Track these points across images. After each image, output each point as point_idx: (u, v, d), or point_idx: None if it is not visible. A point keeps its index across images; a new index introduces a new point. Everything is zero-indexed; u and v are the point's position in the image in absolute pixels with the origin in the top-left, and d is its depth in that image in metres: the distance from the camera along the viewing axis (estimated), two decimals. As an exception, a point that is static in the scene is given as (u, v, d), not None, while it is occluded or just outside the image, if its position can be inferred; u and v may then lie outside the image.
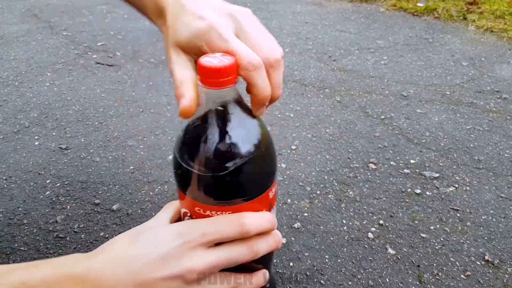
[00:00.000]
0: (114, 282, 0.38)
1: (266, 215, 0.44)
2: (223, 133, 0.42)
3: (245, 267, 0.46)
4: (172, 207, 0.47)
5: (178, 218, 0.47)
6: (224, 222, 0.41)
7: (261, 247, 0.43)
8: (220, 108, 0.42)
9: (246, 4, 2.20)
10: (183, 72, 0.41)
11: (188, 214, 0.45)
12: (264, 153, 0.44)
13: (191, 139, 0.43)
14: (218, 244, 0.42)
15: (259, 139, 0.43)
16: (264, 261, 0.49)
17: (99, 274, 0.38)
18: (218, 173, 0.42)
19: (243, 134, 0.43)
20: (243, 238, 0.42)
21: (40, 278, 0.37)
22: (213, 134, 0.42)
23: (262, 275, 0.48)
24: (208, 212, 0.43)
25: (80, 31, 1.83)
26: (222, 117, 0.42)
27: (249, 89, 0.42)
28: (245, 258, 0.42)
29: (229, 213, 0.42)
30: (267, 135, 0.45)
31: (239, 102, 0.43)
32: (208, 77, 0.39)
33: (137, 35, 1.79)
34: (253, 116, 0.44)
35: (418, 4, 2.11)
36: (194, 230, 0.41)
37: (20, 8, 2.12)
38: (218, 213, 0.43)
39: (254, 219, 0.42)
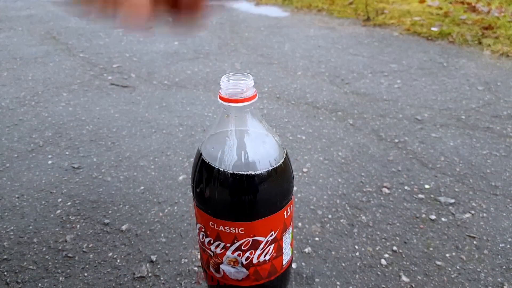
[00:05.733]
0: None
1: None
2: (240, 150, 0.42)
3: None
4: None
5: None
6: None
7: None
8: (238, 124, 0.42)
9: (259, 28, 2.23)
10: None
11: (203, 230, 0.45)
12: (279, 171, 0.44)
13: (208, 155, 0.43)
14: None
15: (275, 157, 0.43)
16: None
17: None
18: (232, 190, 0.42)
19: (259, 152, 0.43)
20: None
21: None
22: (230, 151, 0.42)
23: None
24: (221, 228, 0.43)
25: (96, 53, 1.87)
26: (240, 134, 0.42)
27: None
28: None
29: (241, 230, 0.42)
30: (283, 154, 0.45)
31: (257, 118, 0.43)
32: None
33: (151, 58, 1.82)
34: (271, 134, 0.44)
35: (432, 29, 2.12)
36: None
37: (40, 31, 2.17)
38: (231, 229, 0.42)
39: None
